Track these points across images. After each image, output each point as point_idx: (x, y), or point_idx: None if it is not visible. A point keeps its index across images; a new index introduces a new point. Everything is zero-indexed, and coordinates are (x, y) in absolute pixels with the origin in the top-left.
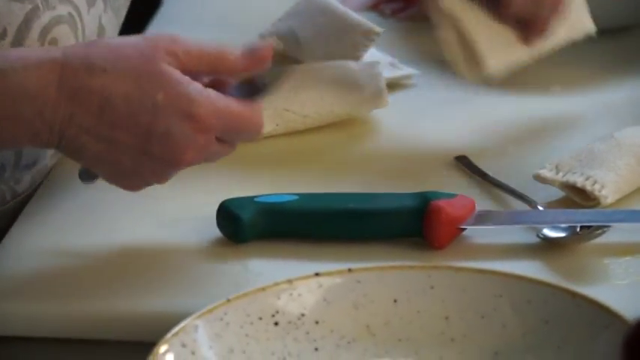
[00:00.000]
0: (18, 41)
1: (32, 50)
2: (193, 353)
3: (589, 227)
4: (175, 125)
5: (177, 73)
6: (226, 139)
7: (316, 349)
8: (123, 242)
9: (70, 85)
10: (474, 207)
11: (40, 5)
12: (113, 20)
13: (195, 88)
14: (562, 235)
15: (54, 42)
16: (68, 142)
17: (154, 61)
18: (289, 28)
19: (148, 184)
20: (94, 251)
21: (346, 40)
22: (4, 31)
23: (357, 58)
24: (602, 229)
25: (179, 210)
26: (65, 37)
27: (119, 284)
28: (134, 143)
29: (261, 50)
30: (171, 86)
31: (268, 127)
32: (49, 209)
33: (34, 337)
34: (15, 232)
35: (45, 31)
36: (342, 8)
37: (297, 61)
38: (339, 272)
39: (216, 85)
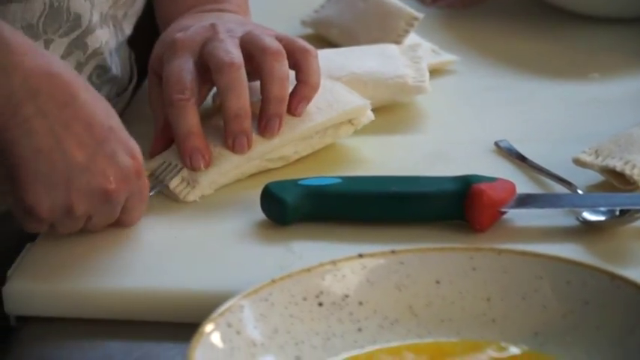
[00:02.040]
0: None
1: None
2: (239, 333)
3: (628, 211)
4: (119, 153)
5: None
6: (122, 201)
7: (360, 330)
8: (168, 224)
9: (48, 67)
10: (514, 190)
11: None
12: None
13: None
14: (601, 218)
15: None
16: (19, 122)
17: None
18: (331, 14)
19: (69, 216)
20: (139, 233)
21: (387, 26)
22: None
23: (397, 43)
24: None
25: (224, 192)
26: None
27: (165, 265)
28: (80, 154)
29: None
30: (120, 125)
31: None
32: None
33: (80, 317)
34: None
35: None
36: None
37: (337, 46)
38: (383, 254)
39: None
